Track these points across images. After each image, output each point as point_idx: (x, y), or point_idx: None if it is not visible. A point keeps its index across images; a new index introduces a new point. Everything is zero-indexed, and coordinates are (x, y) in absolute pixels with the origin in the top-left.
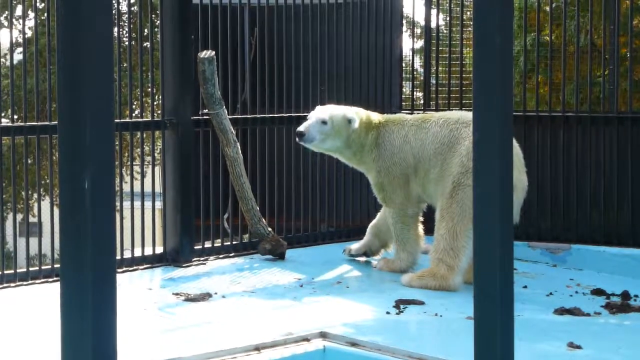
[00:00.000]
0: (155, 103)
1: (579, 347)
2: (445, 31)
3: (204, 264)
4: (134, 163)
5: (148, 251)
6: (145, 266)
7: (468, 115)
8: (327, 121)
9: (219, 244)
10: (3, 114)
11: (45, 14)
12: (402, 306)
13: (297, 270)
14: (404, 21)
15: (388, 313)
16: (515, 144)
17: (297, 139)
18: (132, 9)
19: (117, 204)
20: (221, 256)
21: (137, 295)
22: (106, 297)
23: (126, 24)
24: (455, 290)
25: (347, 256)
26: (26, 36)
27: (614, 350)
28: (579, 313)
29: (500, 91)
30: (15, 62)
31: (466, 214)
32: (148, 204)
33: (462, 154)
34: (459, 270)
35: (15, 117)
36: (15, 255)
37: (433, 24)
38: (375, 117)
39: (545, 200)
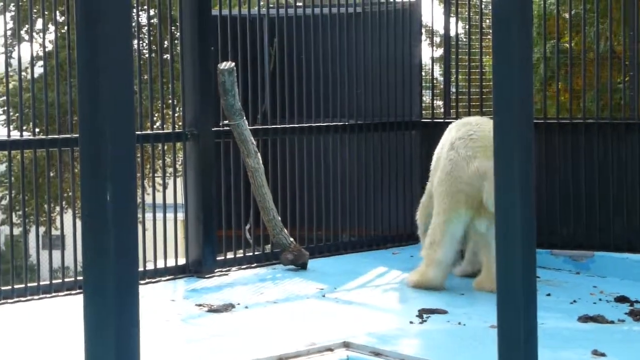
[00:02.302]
0: (176, 115)
1: (603, 354)
2: (464, 39)
3: (227, 274)
4: (156, 175)
5: (171, 262)
6: (168, 277)
7: (466, 119)
8: None
9: (241, 255)
10: (25, 127)
11: (66, 27)
12: (425, 315)
13: (320, 280)
14: (423, 30)
15: (411, 322)
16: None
17: None
18: (152, 21)
19: (139, 215)
20: (243, 267)
21: (160, 307)
22: (129, 309)
23: (146, 36)
24: (434, 285)
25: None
26: (47, 49)
27: (638, 358)
28: (603, 320)
29: (521, 99)
30: (36, 75)
31: (440, 209)
32: (170, 216)
33: (438, 151)
34: (436, 264)
35: (37, 130)
36: (38, 268)
37: (452, 33)
38: None
39: (568, 207)
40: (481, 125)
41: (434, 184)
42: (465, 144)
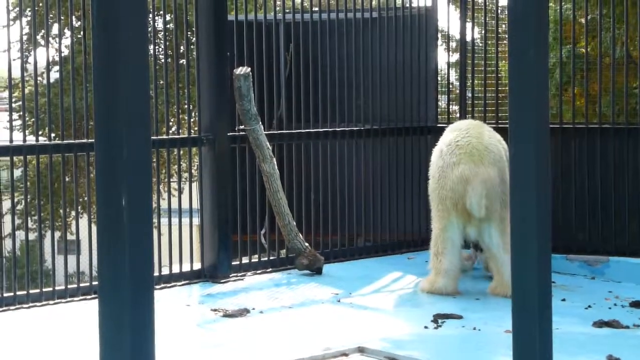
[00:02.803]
0: (191, 120)
1: (618, 359)
2: (480, 44)
3: (242, 279)
4: (171, 180)
5: (186, 267)
6: (183, 282)
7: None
8: None
9: (257, 260)
10: (40, 133)
11: (82, 32)
12: (440, 320)
13: (335, 285)
14: (439, 35)
15: (426, 327)
16: (496, 136)
17: None
18: (168, 26)
19: (155, 220)
20: (259, 272)
21: (176, 312)
22: (144, 314)
23: (162, 42)
24: (446, 293)
25: None
26: (63, 54)
27: None
28: (618, 326)
29: (537, 103)
30: (52, 80)
31: (435, 217)
32: (185, 221)
33: (432, 157)
34: (444, 273)
35: (53, 135)
36: (53, 272)
37: (468, 38)
38: None
39: (583, 212)
40: (469, 131)
41: (429, 192)
42: (451, 150)
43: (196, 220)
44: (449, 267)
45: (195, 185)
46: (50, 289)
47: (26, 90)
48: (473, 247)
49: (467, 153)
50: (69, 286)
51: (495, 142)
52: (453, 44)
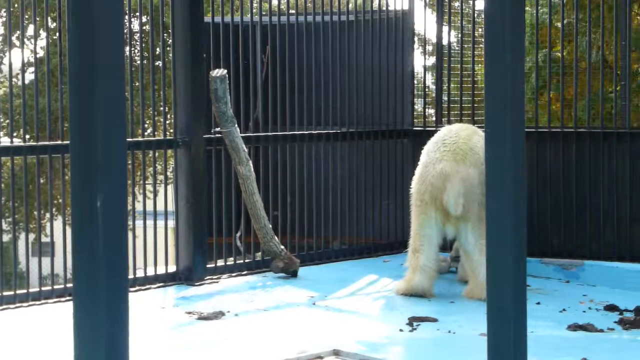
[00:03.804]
0: (167, 122)
1: None
2: (457, 48)
3: (217, 282)
4: (147, 182)
5: (161, 270)
6: (158, 285)
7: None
8: None
9: (232, 262)
10: (15, 134)
11: (57, 34)
12: (415, 323)
13: (310, 287)
14: (416, 38)
15: (401, 330)
16: (478, 131)
17: None
18: (144, 28)
19: (130, 222)
20: (234, 274)
21: (150, 314)
22: (119, 316)
23: (138, 43)
24: (421, 290)
25: None
26: (38, 56)
27: None
28: (592, 329)
29: (512, 107)
30: (27, 81)
31: (414, 214)
32: (160, 223)
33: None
34: (420, 270)
35: (28, 136)
36: (27, 275)
37: (445, 41)
38: None
39: (558, 216)
40: (459, 133)
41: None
42: (436, 147)
43: (171, 223)
44: (426, 263)
45: (170, 188)
46: (24, 291)
47: (0, 92)
48: (452, 257)
49: (450, 151)
50: (43, 288)
51: (482, 146)
52: (429, 48)
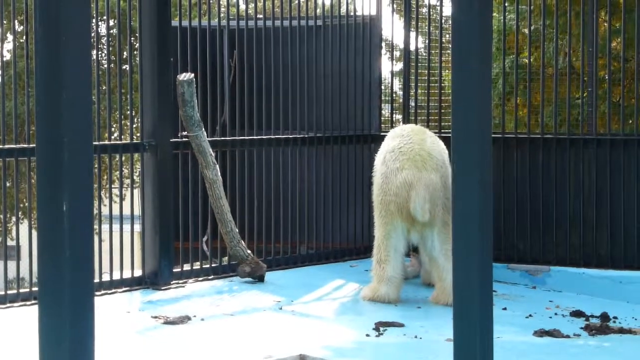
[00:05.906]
0: (134, 126)
1: None
2: (424, 54)
3: (183, 286)
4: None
5: (127, 274)
6: (124, 289)
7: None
8: None
9: (198, 267)
10: None
11: (24, 37)
12: (381, 328)
13: (277, 292)
14: (383, 44)
15: (368, 335)
16: (439, 142)
17: None
18: (111, 31)
19: (96, 226)
20: (200, 279)
21: (116, 319)
22: (84, 321)
23: (105, 47)
24: (386, 300)
25: None
26: (5, 59)
27: None
28: (559, 335)
29: (479, 113)
30: None
31: (378, 223)
32: (127, 227)
33: (375, 163)
34: (386, 281)
35: None
36: None
37: (412, 47)
38: None
39: (525, 222)
40: (412, 137)
41: (373, 199)
42: (394, 157)
43: (137, 227)
44: (392, 275)
45: (137, 192)
46: None
47: None
48: (413, 254)
49: (410, 159)
50: (8, 292)
51: (438, 148)
52: (397, 53)
